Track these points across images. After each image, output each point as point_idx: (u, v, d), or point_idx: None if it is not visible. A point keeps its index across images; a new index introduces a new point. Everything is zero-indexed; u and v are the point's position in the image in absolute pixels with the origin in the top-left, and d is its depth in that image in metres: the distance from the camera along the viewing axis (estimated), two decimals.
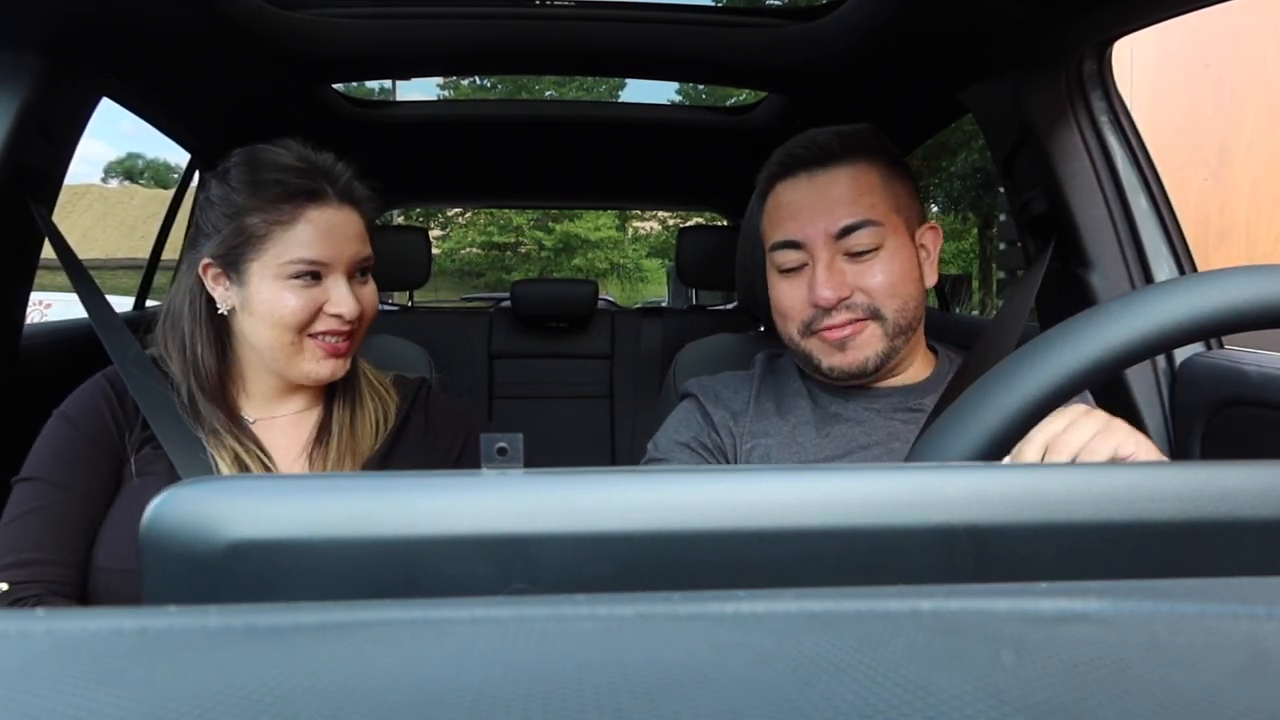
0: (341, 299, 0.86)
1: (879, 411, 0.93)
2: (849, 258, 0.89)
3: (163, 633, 0.17)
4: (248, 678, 0.15)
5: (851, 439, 0.91)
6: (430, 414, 0.99)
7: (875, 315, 0.89)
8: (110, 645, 0.17)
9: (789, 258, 0.91)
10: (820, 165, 0.91)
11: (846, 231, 0.88)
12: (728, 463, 0.92)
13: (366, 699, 0.15)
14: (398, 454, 0.94)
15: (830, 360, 0.90)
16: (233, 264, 0.86)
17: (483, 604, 0.18)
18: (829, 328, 0.89)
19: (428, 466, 0.95)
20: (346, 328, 0.87)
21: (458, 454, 0.99)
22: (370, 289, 0.91)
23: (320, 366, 0.88)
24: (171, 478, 0.84)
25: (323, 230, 0.85)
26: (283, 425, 0.93)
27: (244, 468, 0.86)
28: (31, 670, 0.16)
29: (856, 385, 0.94)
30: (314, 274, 0.85)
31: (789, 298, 0.92)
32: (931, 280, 0.95)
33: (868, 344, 0.89)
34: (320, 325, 0.86)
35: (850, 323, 0.89)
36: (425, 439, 0.97)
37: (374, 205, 0.93)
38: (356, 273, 0.89)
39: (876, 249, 0.89)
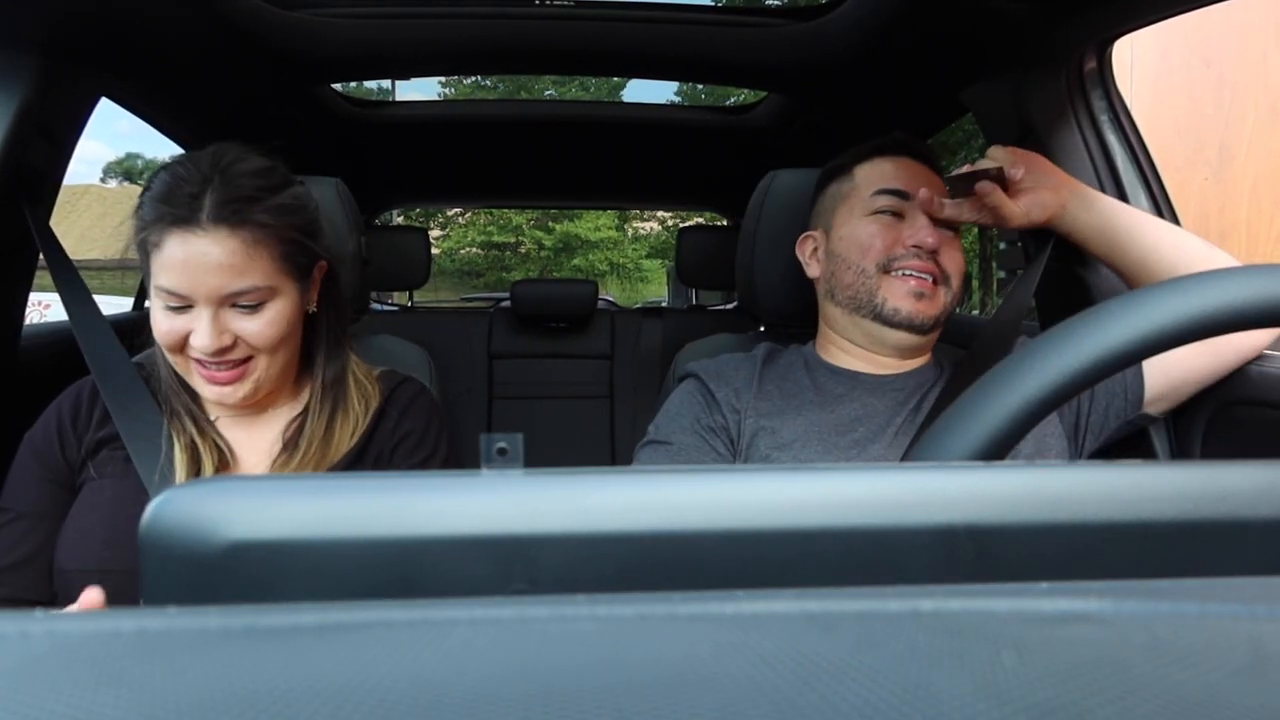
0: (198, 332, 0.80)
1: (882, 398, 0.96)
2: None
3: (162, 633, 0.17)
4: (247, 678, 0.15)
5: (855, 417, 0.94)
6: (406, 416, 0.95)
7: (946, 281, 0.98)
8: (109, 646, 0.17)
9: (891, 202, 1.00)
10: (923, 159, 1.04)
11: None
12: (731, 440, 0.93)
13: (366, 699, 0.15)
14: (366, 457, 0.92)
15: (900, 303, 0.96)
16: (145, 271, 0.85)
17: (483, 604, 0.18)
18: (913, 271, 0.96)
19: (396, 469, 0.93)
20: (215, 358, 0.82)
21: (426, 457, 0.95)
22: (261, 318, 0.83)
23: (207, 390, 0.84)
24: (125, 472, 0.84)
25: (179, 260, 0.79)
26: (249, 423, 0.91)
27: (196, 456, 0.85)
28: (31, 671, 0.16)
29: (859, 369, 1.00)
30: (179, 305, 0.80)
31: (879, 236, 0.99)
32: None
33: (935, 304, 0.97)
34: (192, 351, 0.82)
35: (930, 275, 0.97)
36: (392, 440, 0.94)
37: (273, 228, 0.82)
38: (237, 304, 0.82)
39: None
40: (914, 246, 0.96)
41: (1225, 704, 0.15)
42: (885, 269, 0.97)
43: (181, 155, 0.85)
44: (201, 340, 0.80)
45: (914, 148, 1.04)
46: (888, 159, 1.03)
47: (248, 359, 0.85)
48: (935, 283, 0.97)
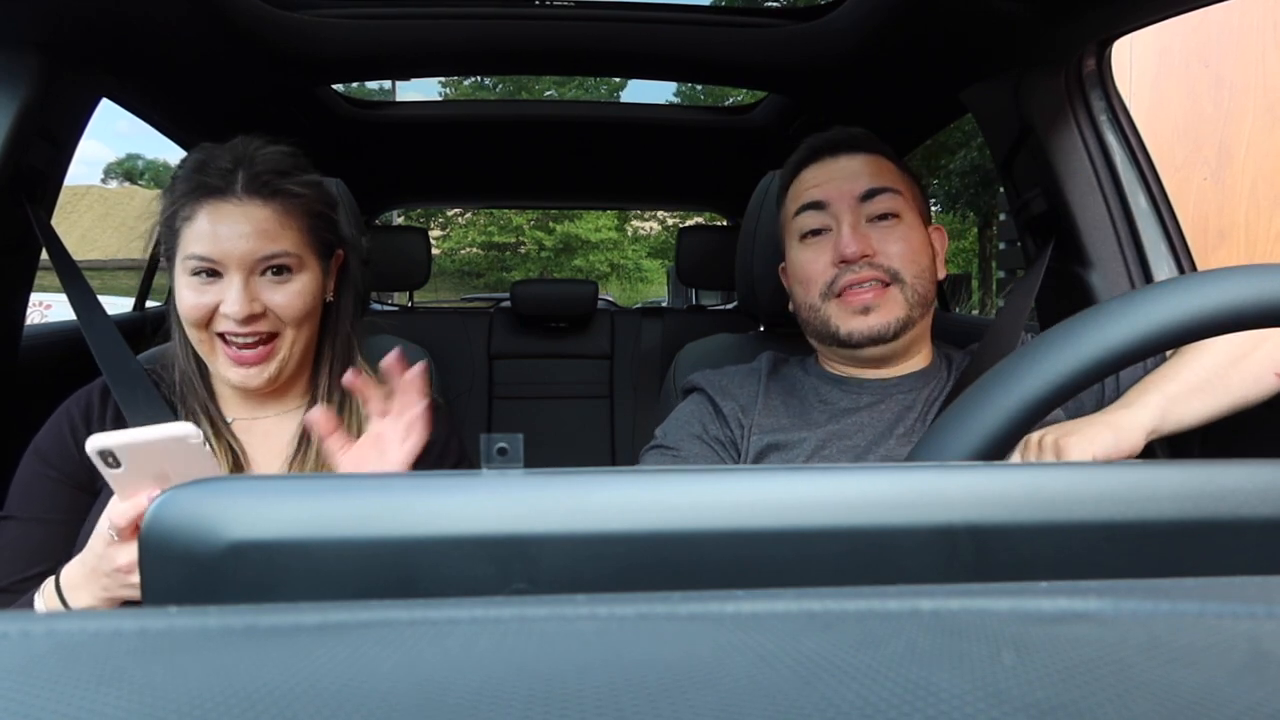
0: (230, 298, 0.81)
1: (888, 405, 0.94)
2: (870, 223, 0.93)
3: (163, 633, 0.17)
4: (248, 678, 0.15)
5: (862, 425, 0.92)
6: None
7: (896, 279, 0.91)
8: (110, 646, 0.17)
9: (812, 219, 0.94)
10: (845, 150, 0.97)
11: (869, 195, 0.93)
12: (736, 455, 0.93)
13: (366, 699, 0.15)
14: None
15: (850, 325, 0.91)
16: (170, 259, 0.86)
17: (483, 604, 0.18)
18: (853, 288, 0.91)
19: None
20: (243, 329, 0.83)
21: (455, 463, 0.96)
22: (289, 288, 0.85)
23: (231, 372, 0.85)
24: None
25: (213, 227, 0.81)
26: (265, 427, 0.91)
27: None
28: (33, 671, 0.16)
29: (866, 371, 0.96)
30: (210, 271, 0.82)
31: (812, 262, 0.94)
32: (940, 274, 0.99)
33: (890, 309, 0.91)
34: (219, 325, 0.83)
35: (873, 282, 0.91)
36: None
37: (304, 199, 0.86)
38: (268, 270, 0.84)
39: (896, 217, 0.93)
40: (843, 262, 0.91)
41: (1224, 703, 0.15)
42: (829, 295, 0.92)
43: (207, 144, 0.88)
44: (232, 307, 0.81)
45: (835, 142, 0.98)
46: (808, 169, 0.98)
47: (274, 335, 0.86)
48: (885, 284, 0.91)
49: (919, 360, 0.99)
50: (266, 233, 0.82)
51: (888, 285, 0.91)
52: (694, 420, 0.96)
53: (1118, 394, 0.92)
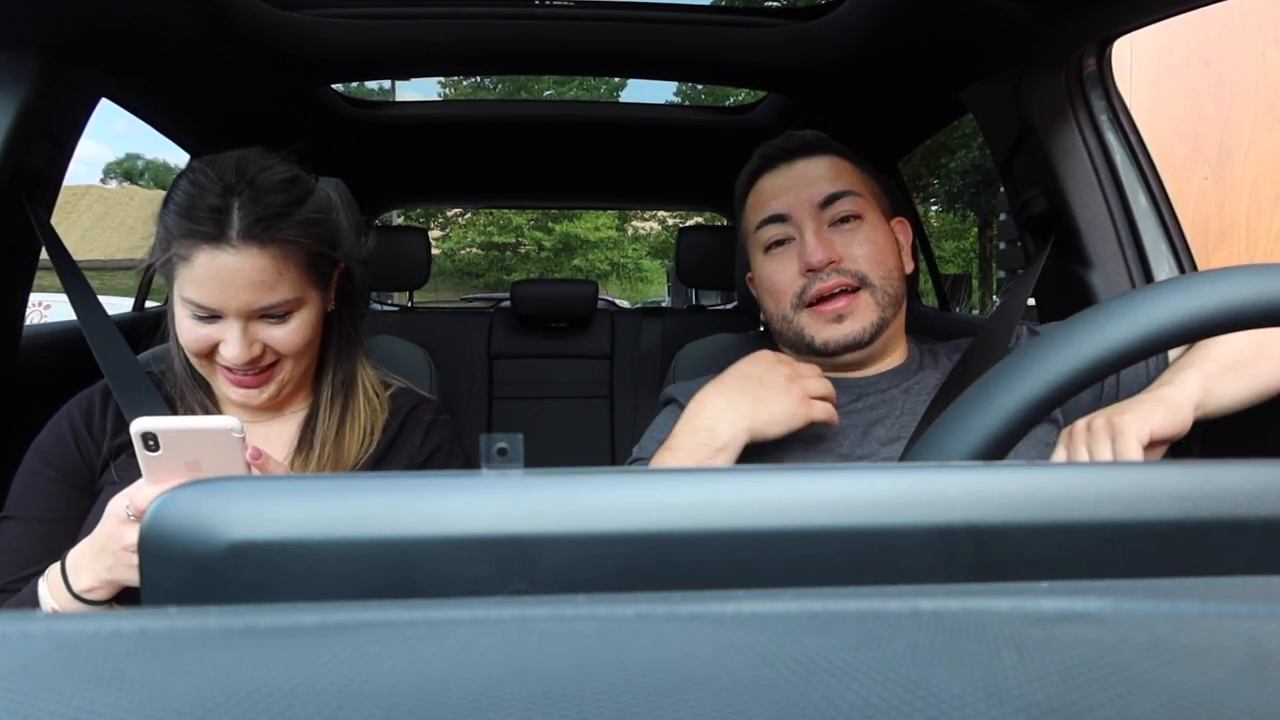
0: (228, 345, 0.81)
1: (866, 399, 0.94)
2: (833, 228, 0.93)
3: (163, 634, 0.17)
4: (248, 678, 0.15)
5: (842, 429, 0.91)
6: (432, 433, 0.96)
7: (864, 283, 0.91)
8: (110, 646, 0.17)
9: (774, 231, 0.94)
10: (800, 155, 0.97)
11: (829, 201, 0.93)
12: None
13: (366, 699, 0.15)
14: (391, 469, 0.92)
15: (824, 334, 0.91)
16: (167, 277, 0.85)
17: (483, 604, 0.18)
18: (822, 297, 0.91)
19: None
20: (242, 368, 0.84)
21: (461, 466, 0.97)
22: (289, 326, 0.84)
23: (232, 392, 0.86)
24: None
25: (209, 276, 0.79)
26: (265, 429, 0.91)
27: None
28: (32, 671, 0.16)
29: (843, 373, 0.96)
30: (207, 316, 0.81)
31: (780, 273, 0.94)
32: (909, 268, 0.99)
33: (863, 314, 0.91)
34: (219, 359, 0.84)
35: (843, 290, 0.90)
36: (420, 455, 0.95)
37: (302, 245, 0.83)
38: (266, 315, 0.83)
39: (859, 219, 0.93)
40: (809, 271, 0.90)
41: (1225, 703, 0.15)
42: (800, 305, 0.92)
43: (202, 161, 0.84)
44: (232, 352, 0.81)
45: (788, 149, 0.97)
46: (764, 178, 0.98)
47: (274, 363, 0.86)
48: (854, 290, 0.90)
49: (896, 357, 0.98)
50: (264, 283, 0.80)
51: (857, 290, 0.91)
52: (665, 429, 0.95)
53: (1118, 394, 0.92)
